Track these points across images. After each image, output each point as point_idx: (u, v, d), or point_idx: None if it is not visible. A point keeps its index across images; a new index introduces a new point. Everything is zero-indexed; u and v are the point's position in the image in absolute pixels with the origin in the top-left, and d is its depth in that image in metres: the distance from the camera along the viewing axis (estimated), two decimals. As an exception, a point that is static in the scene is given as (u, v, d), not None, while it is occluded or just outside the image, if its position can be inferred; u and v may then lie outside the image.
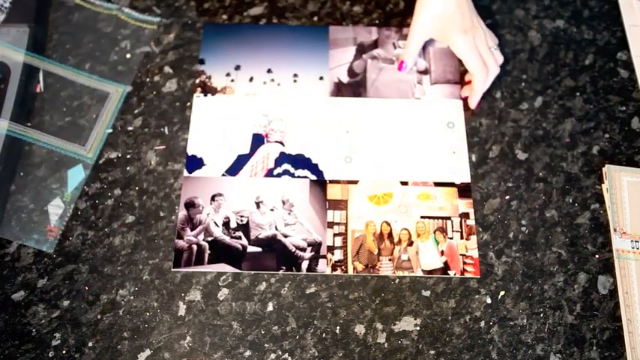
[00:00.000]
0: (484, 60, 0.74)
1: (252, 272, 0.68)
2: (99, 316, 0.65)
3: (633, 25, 0.83)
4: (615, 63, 0.80)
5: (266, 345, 0.64)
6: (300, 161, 0.74)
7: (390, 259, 0.69)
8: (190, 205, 0.71)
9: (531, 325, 0.66)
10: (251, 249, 0.69)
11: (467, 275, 0.68)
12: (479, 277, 0.68)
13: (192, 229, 0.69)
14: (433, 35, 0.77)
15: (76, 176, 0.72)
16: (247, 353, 0.64)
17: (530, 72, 0.79)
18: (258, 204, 0.71)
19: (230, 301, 0.67)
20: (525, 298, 0.67)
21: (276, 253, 0.69)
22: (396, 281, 0.68)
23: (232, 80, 0.78)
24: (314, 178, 0.73)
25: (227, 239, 0.69)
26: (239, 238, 0.69)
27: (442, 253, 0.69)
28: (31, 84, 0.76)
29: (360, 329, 0.65)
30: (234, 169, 0.73)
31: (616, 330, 0.65)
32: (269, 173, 0.73)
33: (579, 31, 0.82)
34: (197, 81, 0.78)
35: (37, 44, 0.78)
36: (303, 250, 0.69)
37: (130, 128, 0.75)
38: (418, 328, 0.65)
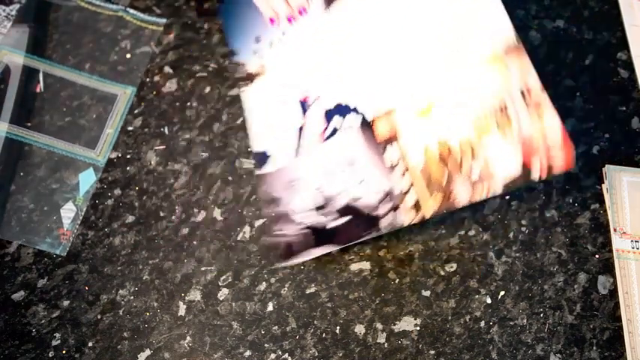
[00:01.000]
0: None
1: (349, 245, 0.65)
2: (99, 316, 0.65)
3: (633, 25, 0.83)
4: (615, 63, 0.80)
5: (266, 345, 0.64)
6: (342, 110, 0.67)
7: (462, 183, 0.58)
8: (272, 202, 0.68)
9: (531, 325, 0.66)
10: (335, 223, 0.65)
11: (556, 171, 0.53)
12: (572, 168, 0.55)
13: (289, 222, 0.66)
14: None
15: (88, 180, 0.72)
16: (247, 353, 0.64)
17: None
18: (324, 173, 0.66)
19: (230, 301, 0.67)
20: (525, 298, 0.67)
21: (355, 218, 0.64)
22: (396, 281, 0.68)
23: (260, 56, 0.75)
24: (359, 120, 0.66)
25: (323, 219, 0.65)
26: (327, 214, 0.65)
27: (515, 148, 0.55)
28: (31, 84, 0.76)
29: (360, 329, 0.65)
30: (297, 149, 0.69)
31: (616, 330, 0.65)
32: (325, 138, 0.67)
33: (579, 31, 0.82)
34: (239, 75, 0.75)
35: (37, 44, 0.78)
36: (377, 208, 0.63)
37: (130, 128, 0.75)
38: (418, 328, 0.65)
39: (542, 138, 0.54)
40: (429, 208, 0.60)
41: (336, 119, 0.67)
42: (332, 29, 0.71)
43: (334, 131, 0.68)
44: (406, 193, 0.62)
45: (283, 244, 0.67)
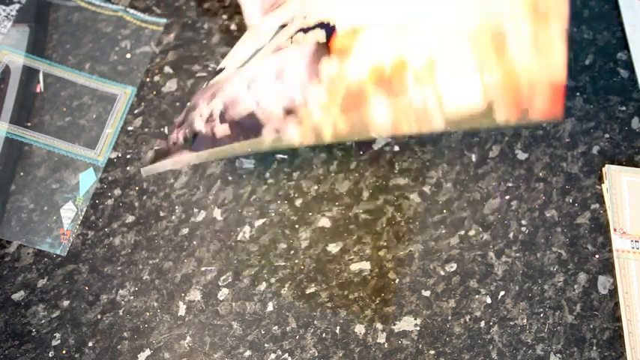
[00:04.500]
0: None
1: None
2: (99, 316, 0.65)
3: (633, 25, 0.83)
4: (615, 63, 0.80)
5: (266, 345, 0.65)
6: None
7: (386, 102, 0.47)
8: (191, 109, 0.59)
9: (531, 325, 0.66)
10: (222, 129, 0.55)
11: (532, 117, 0.41)
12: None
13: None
14: None
15: (88, 180, 0.72)
16: (247, 353, 0.64)
17: (530, 72, 0.79)
18: (249, 85, 0.56)
19: (230, 301, 0.67)
20: (525, 298, 0.67)
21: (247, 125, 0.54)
22: (396, 281, 0.68)
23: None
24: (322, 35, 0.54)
25: (207, 127, 0.56)
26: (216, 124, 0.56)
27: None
28: (31, 84, 0.76)
29: (360, 329, 0.65)
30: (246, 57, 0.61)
31: (616, 330, 0.65)
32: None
33: (579, 31, 0.82)
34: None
35: (37, 44, 0.78)
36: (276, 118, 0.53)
37: (130, 128, 0.75)
38: (418, 328, 0.65)
39: (530, 70, 0.41)
40: (329, 129, 0.49)
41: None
42: None
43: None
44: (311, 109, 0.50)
45: (159, 145, 0.60)
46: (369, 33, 0.50)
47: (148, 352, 0.64)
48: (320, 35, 0.53)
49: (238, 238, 0.70)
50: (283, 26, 0.60)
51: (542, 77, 0.40)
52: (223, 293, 0.67)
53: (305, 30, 0.55)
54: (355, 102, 0.48)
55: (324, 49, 0.53)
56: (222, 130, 0.55)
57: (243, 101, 0.55)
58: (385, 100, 0.46)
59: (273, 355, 0.64)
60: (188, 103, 0.64)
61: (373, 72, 0.47)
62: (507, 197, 0.72)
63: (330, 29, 0.53)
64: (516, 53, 0.41)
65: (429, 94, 0.44)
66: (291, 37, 0.57)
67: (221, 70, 0.64)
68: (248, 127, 0.53)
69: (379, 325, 0.66)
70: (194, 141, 0.58)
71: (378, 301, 0.67)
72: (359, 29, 0.51)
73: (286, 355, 0.64)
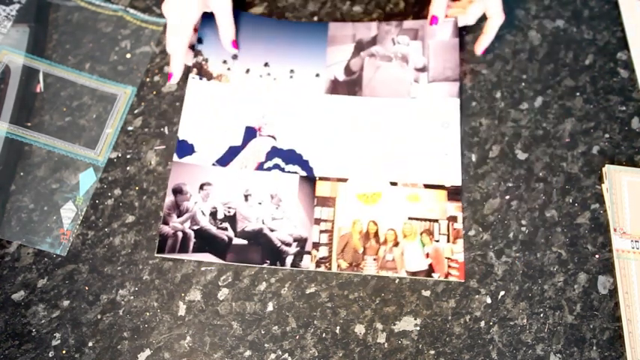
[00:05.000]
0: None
1: (236, 264, 0.68)
2: (99, 316, 0.65)
3: (633, 25, 0.83)
4: (615, 63, 0.80)
5: (266, 345, 0.65)
6: (291, 157, 0.74)
7: (374, 259, 0.69)
8: (178, 191, 0.71)
9: (531, 325, 0.66)
10: (236, 241, 0.69)
11: (450, 279, 0.67)
12: (463, 281, 0.67)
13: (178, 216, 0.69)
14: None
15: (88, 180, 0.72)
16: (247, 353, 0.64)
17: (530, 72, 0.79)
18: (246, 197, 0.71)
19: (230, 301, 0.67)
20: (525, 298, 0.67)
21: (261, 246, 0.69)
22: (396, 281, 0.68)
23: (229, 69, 0.78)
24: (304, 174, 0.73)
25: (213, 229, 0.69)
26: (225, 229, 0.70)
27: (427, 255, 0.69)
28: (31, 84, 0.76)
29: (360, 329, 0.65)
30: (224, 160, 0.73)
31: (616, 330, 0.65)
32: (259, 167, 0.73)
33: (579, 31, 0.82)
34: (193, 61, 0.77)
35: (37, 44, 0.78)
36: (289, 245, 0.69)
37: (130, 128, 0.75)
38: (418, 328, 0.65)
39: (450, 255, 0.69)
40: (335, 266, 0.69)
41: (280, 160, 0.73)
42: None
43: (275, 166, 0.73)
44: (319, 245, 0.69)
45: (161, 236, 0.69)
46: (352, 191, 0.72)
47: (148, 352, 0.64)
48: (302, 169, 0.73)
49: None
50: (250, 127, 0.75)
51: (454, 261, 0.69)
52: (223, 293, 0.67)
53: (291, 159, 0.73)
54: (349, 249, 0.70)
55: (311, 185, 0.72)
56: None
57: (249, 219, 0.71)
58: (368, 252, 0.70)
59: (273, 355, 0.64)
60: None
61: (361, 227, 0.70)
62: (507, 197, 0.72)
63: (307, 164, 0.73)
64: (441, 244, 0.70)
65: (395, 255, 0.70)
66: None
67: None
68: (268, 250, 0.70)
69: (379, 325, 0.66)
70: None
71: (378, 301, 0.67)
72: (341, 183, 0.73)
73: (286, 355, 0.64)
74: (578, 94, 0.78)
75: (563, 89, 0.79)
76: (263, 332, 0.65)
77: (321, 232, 0.70)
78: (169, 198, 0.70)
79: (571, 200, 0.72)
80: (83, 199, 0.71)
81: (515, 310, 0.66)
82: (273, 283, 0.68)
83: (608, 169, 0.73)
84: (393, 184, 0.72)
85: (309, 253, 0.69)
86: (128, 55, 0.79)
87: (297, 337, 0.65)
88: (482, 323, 0.66)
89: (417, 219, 0.71)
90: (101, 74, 0.78)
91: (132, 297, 0.66)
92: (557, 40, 0.82)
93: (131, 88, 0.77)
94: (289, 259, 0.68)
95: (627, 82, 0.79)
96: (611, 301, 0.67)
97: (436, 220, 0.70)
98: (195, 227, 0.69)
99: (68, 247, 0.68)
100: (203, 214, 0.70)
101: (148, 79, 0.78)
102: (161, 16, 0.82)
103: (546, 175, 0.74)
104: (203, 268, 0.68)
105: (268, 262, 0.68)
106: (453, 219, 0.70)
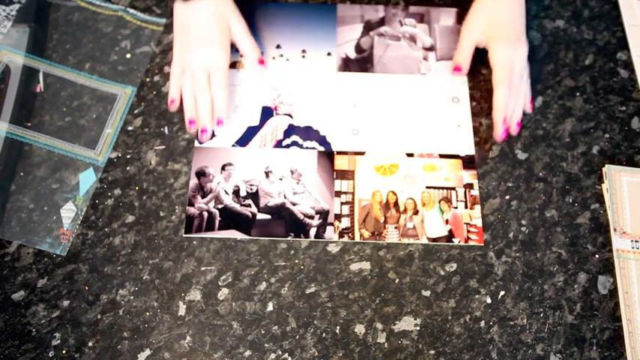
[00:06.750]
0: (513, 79, 0.73)
1: (262, 238, 0.69)
2: (99, 316, 0.65)
3: (633, 25, 0.83)
4: (615, 63, 0.80)
5: (266, 345, 0.64)
6: (309, 133, 0.76)
7: (395, 227, 0.71)
8: (201, 173, 0.73)
9: (531, 325, 0.66)
10: (260, 216, 0.71)
11: (471, 243, 0.70)
12: (482, 245, 0.69)
13: (202, 197, 0.71)
14: (480, 38, 0.76)
15: (88, 180, 0.72)
16: (247, 353, 0.64)
17: (530, 72, 0.79)
18: (267, 173, 0.73)
19: (230, 301, 0.67)
20: (525, 298, 0.67)
21: (284, 220, 0.71)
22: (396, 281, 0.68)
23: (242, 56, 0.79)
24: (322, 149, 0.75)
25: (237, 207, 0.71)
26: (249, 206, 0.71)
27: (447, 221, 0.71)
28: (31, 84, 0.76)
29: (360, 329, 0.65)
30: (244, 140, 0.75)
31: (616, 330, 0.65)
32: (278, 144, 0.75)
33: (579, 31, 0.82)
34: None
35: (37, 44, 0.78)
36: (311, 217, 0.71)
37: (130, 128, 0.75)
38: (418, 328, 0.65)
39: (469, 220, 0.71)
40: (358, 236, 0.70)
41: (297, 137, 0.75)
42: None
43: (293, 144, 0.75)
44: (341, 217, 0.71)
45: (188, 217, 0.70)
46: (370, 164, 0.74)
47: (147, 352, 0.64)
48: (320, 145, 0.75)
49: (238, 239, 0.70)
50: (266, 107, 0.77)
51: (473, 225, 0.71)
52: (223, 293, 0.67)
53: (308, 135, 0.75)
54: (370, 219, 0.71)
55: (330, 160, 0.74)
56: None
57: (271, 195, 0.72)
58: (390, 221, 0.72)
59: (273, 355, 0.64)
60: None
61: (381, 198, 0.72)
62: (507, 197, 0.72)
63: (325, 140, 0.75)
64: (459, 210, 0.72)
65: (416, 222, 0.71)
66: None
67: None
68: (291, 223, 0.71)
69: (379, 325, 0.66)
70: None
71: (378, 301, 0.67)
72: (359, 156, 0.75)
73: (286, 355, 0.64)
74: (578, 94, 0.78)
75: (563, 89, 0.79)
76: (263, 332, 0.65)
77: (342, 203, 0.72)
78: (193, 181, 0.72)
79: (571, 200, 0.72)
80: (83, 199, 0.71)
81: (515, 310, 0.66)
82: (273, 283, 0.68)
83: (608, 169, 0.73)
84: (410, 155, 0.75)
85: (331, 224, 0.70)
86: (128, 55, 0.79)
87: (297, 337, 0.65)
88: (482, 323, 0.66)
89: (434, 187, 0.73)
90: (101, 74, 0.78)
91: (132, 297, 0.66)
92: (557, 40, 0.82)
93: (131, 88, 0.77)
94: (313, 231, 0.70)
95: (627, 82, 0.79)
96: (611, 301, 0.67)
97: (453, 188, 0.73)
98: (220, 206, 0.71)
99: (68, 247, 0.68)
100: (226, 193, 0.71)
101: (147, 79, 0.78)
102: (161, 16, 0.82)
103: (546, 175, 0.74)
104: (203, 268, 0.68)
105: (292, 234, 0.70)
106: (469, 186, 0.73)
